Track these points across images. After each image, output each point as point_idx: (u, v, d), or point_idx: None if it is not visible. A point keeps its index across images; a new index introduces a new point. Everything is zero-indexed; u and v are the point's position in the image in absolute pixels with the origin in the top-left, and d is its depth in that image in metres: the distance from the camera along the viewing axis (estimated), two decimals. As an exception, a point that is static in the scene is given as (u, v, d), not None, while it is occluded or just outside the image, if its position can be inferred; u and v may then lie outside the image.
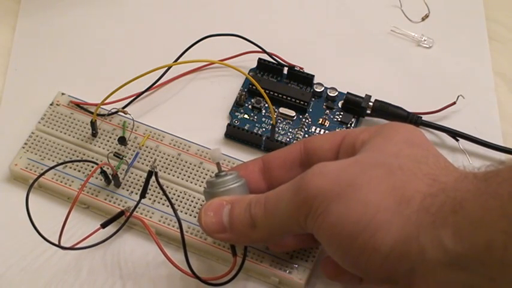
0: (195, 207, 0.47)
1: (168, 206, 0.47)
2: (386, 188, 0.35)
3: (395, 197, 0.34)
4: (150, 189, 0.47)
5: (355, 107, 0.52)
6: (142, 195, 0.44)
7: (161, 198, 0.47)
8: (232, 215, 0.40)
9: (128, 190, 0.47)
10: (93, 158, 0.48)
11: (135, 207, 0.44)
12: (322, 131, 0.52)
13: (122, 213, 0.45)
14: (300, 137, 0.51)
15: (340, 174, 0.36)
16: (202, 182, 0.48)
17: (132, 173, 0.48)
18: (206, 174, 0.48)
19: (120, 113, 0.50)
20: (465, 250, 0.32)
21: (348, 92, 0.53)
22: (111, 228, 0.45)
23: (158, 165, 0.48)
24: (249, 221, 0.39)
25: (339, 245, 0.36)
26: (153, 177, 0.43)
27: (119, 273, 0.45)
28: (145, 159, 0.49)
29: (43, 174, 0.44)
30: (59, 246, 0.42)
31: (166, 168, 0.48)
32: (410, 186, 0.35)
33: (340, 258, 0.36)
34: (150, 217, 0.46)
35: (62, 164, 0.47)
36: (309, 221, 0.36)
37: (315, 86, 0.53)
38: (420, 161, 0.36)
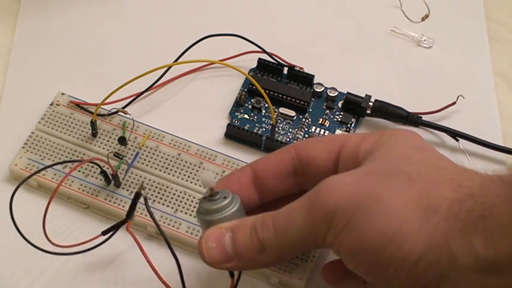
0: (195, 207, 0.47)
1: (167, 206, 0.47)
2: (410, 197, 0.34)
3: (421, 205, 0.34)
4: (150, 189, 0.47)
5: (355, 107, 0.52)
6: (128, 216, 0.42)
7: (161, 198, 0.47)
8: (236, 242, 0.38)
9: (127, 190, 0.47)
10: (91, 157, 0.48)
11: (129, 215, 0.43)
12: (322, 131, 0.52)
13: (124, 221, 0.43)
14: (299, 137, 0.51)
15: (356, 187, 0.35)
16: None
17: (132, 173, 0.48)
18: (206, 174, 0.48)
19: (120, 113, 0.50)
20: (497, 255, 0.32)
21: (348, 92, 0.53)
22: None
23: (158, 165, 0.48)
24: (257, 246, 0.37)
25: (363, 259, 0.35)
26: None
27: (112, 276, 0.45)
28: (145, 159, 0.49)
29: (37, 172, 0.44)
30: (41, 249, 0.42)
31: (167, 168, 0.48)
32: (435, 193, 0.34)
33: (365, 271, 0.35)
34: (150, 217, 0.46)
35: (57, 163, 0.47)
36: (328, 238, 0.35)
37: (315, 86, 0.53)
38: (438, 165, 0.36)
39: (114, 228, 0.43)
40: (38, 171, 0.44)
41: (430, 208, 0.34)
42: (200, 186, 0.48)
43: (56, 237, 0.42)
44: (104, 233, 0.43)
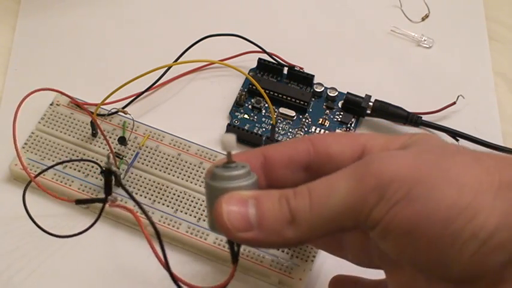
0: (195, 207, 0.47)
1: (167, 206, 0.47)
2: (479, 171, 0.31)
3: (493, 180, 0.31)
4: (150, 190, 0.47)
5: (355, 107, 0.52)
6: (107, 195, 0.41)
7: (161, 198, 0.47)
8: (261, 210, 0.33)
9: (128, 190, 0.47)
10: (93, 157, 0.48)
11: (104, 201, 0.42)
12: (322, 131, 0.52)
13: (102, 200, 0.42)
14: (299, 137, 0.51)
15: (416, 160, 0.32)
16: (202, 182, 0.48)
17: (132, 173, 0.48)
18: (206, 174, 0.48)
19: (120, 113, 0.50)
20: None
21: (348, 92, 0.53)
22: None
23: (158, 165, 0.48)
24: (286, 216, 0.33)
25: (422, 236, 0.31)
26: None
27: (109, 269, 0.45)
28: (145, 159, 0.49)
29: (41, 173, 0.44)
30: (58, 236, 0.42)
31: (167, 168, 0.48)
32: (505, 172, 0.31)
33: (416, 253, 0.31)
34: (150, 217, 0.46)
35: (61, 163, 0.47)
36: (376, 213, 0.31)
37: (315, 86, 0.53)
38: (489, 156, 0.33)
39: (89, 202, 0.43)
40: (47, 169, 0.44)
41: (503, 184, 0.31)
42: (200, 186, 0.48)
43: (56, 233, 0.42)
44: (77, 202, 0.42)
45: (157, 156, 0.49)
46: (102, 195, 0.47)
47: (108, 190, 0.41)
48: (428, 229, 0.31)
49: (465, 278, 0.31)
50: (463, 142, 0.52)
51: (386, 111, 0.52)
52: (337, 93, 0.53)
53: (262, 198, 0.33)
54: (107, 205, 0.42)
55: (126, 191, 0.39)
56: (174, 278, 0.36)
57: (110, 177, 0.40)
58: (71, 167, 0.48)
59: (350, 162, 0.34)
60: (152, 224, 0.36)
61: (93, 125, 0.49)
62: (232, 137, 0.33)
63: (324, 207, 0.32)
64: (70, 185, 0.47)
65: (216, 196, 0.33)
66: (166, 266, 0.36)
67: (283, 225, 0.33)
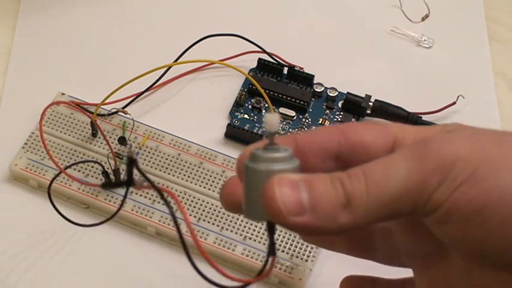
0: (195, 207, 0.47)
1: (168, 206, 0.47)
2: None
3: None
4: (149, 190, 0.47)
5: (355, 107, 0.52)
6: (129, 184, 0.40)
7: (161, 198, 0.47)
8: (315, 192, 0.31)
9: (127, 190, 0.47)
10: (93, 158, 0.48)
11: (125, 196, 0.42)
12: (322, 131, 0.52)
13: (126, 185, 0.38)
14: (300, 137, 0.51)
15: (475, 141, 0.31)
16: (202, 182, 0.48)
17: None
18: (206, 174, 0.48)
19: (120, 113, 0.50)
20: None
21: (348, 92, 0.53)
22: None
23: (158, 165, 0.48)
24: (341, 199, 0.31)
25: (494, 214, 0.29)
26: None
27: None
28: (145, 159, 0.49)
29: (56, 176, 0.44)
30: (77, 223, 0.42)
31: (167, 168, 0.48)
32: None
33: (492, 232, 0.30)
34: (150, 217, 0.46)
35: (75, 164, 0.47)
36: (441, 192, 0.30)
37: (315, 86, 0.53)
38: None
39: (115, 186, 0.41)
40: (60, 173, 0.44)
41: None
42: (200, 186, 0.48)
43: (55, 236, 0.42)
44: (103, 185, 0.42)
45: (157, 156, 0.49)
46: (102, 195, 0.47)
47: (130, 178, 0.39)
48: (499, 209, 0.29)
49: None
50: (463, 142, 0.52)
51: (386, 111, 0.52)
52: (337, 93, 0.53)
53: (315, 180, 0.31)
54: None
55: (147, 179, 0.35)
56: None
57: (131, 166, 0.38)
58: (70, 167, 0.48)
59: (382, 152, 0.33)
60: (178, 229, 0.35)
61: (93, 125, 0.49)
62: (276, 117, 0.31)
63: (382, 190, 0.30)
64: (70, 185, 0.47)
65: (260, 180, 0.31)
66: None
67: (338, 210, 0.31)
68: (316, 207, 0.30)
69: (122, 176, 0.47)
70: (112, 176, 0.47)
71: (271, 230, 0.32)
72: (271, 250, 0.32)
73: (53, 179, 0.45)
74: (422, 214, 0.31)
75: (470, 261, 0.31)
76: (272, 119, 0.31)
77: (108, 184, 0.40)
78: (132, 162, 0.36)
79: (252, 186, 0.31)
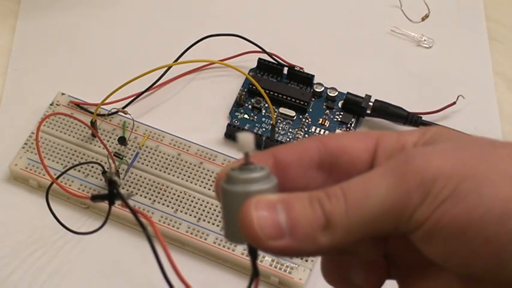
0: (195, 207, 0.47)
1: (167, 206, 0.47)
2: None
3: None
4: (149, 190, 0.47)
5: (355, 107, 0.52)
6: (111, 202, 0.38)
7: (161, 198, 0.47)
8: (293, 214, 0.30)
9: (128, 190, 0.47)
10: (93, 158, 0.48)
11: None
12: (322, 131, 0.52)
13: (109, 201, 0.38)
14: (299, 137, 0.51)
15: (457, 155, 0.30)
16: (202, 182, 0.48)
17: (132, 173, 0.48)
18: (206, 174, 0.48)
19: (120, 113, 0.50)
20: None
21: (348, 92, 0.53)
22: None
23: (158, 165, 0.48)
24: (320, 220, 0.30)
25: (477, 234, 0.29)
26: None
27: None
28: (145, 159, 0.49)
29: (60, 175, 0.44)
30: (74, 231, 0.42)
31: (167, 168, 0.48)
32: None
33: (476, 251, 0.30)
34: (150, 217, 0.46)
35: (76, 166, 0.47)
36: (423, 210, 0.29)
37: (315, 86, 0.53)
38: None
39: (105, 199, 0.40)
40: (65, 172, 0.44)
41: None
42: (200, 186, 0.48)
43: (55, 235, 0.42)
44: (93, 198, 0.40)
45: (157, 156, 0.49)
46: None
47: (111, 197, 0.39)
48: (483, 227, 0.28)
49: None
50: (463, 142, 0.52)
51: (386, 111, 0.52)
52: (337, 93, 0.53)
53: (292, 201, 0.30)
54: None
55: (125, 201, 0.36)
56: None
57: (112, 188, 0.38)
58: (71, 169, 0.48)
59: (364, 157, 0.32)
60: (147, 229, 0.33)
61: (93, 125, 0.49)
62: (249, 136, 0.30)
63: (362, 209, 0.30)
64: (70, 185, 0.47)
65: (237, 202, 0.30)
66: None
67: (318, 231, 0.30)
68: (294, 230, 0.30)
69: (121, 178, 0.48)
70: (116, 178, 0.47)
71: (252, 253, 0.31)
72: (255, 272, 0.31)
73: (48, 188, 0.44)
74: (406, 232, 0.30)
75: (463, 278, 0.31)
76: (246, 138, 0.30)
77: (98, 196, 0.40)
78: (112, 184, 0.36)
79: (229, 208, 0.30)
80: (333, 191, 0.30)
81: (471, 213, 0.28)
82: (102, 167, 0.46)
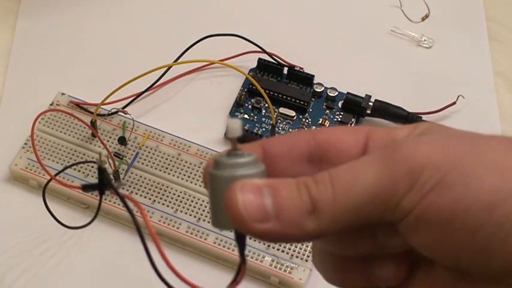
0: (195, 207, 0.47)
1: (167, 206, 0.47)
2: None
3: None
4: (149, 190, 0.47)
5: (355, 107, 0.52)
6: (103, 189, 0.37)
7: (161, 198, 0.47)
8: (279, 198, 0.30)
9: (128, 190, 0.47)
10: (93, 158, 0.48)
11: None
12: (322, 131, 0.52)
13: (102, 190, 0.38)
14: (300, 137, 0.51)
15: (446, 145, 0.30)
16: (202, 182, 0.48)
17: (132, 173, 0.48)
18: (206, 174, 0.48)
19: (120, 113, 0.50)
20: None
21: (348, 92, 0.53)
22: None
23: (158, 165, 0.48)
24: (306, 205, 0.29)
25: (463, 224, 0.29)
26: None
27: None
28: (145, 159, 0.49)
29: (59, 173, 0.44)
30: (69, 227, 0.42)
31: (167, 168, 0.48)
32: None
33: (462, 242, 0.29)
34: (150, 217, 0.46)
35: (74, 164, 0.47)
36: (409, 199, 0.29)
37: (315, 86, 0.53)
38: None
39: (96, 189, 0.40)
40: (62, 171, 0.44)
41: None
42: (200, 186, 0.48)
43: (55, 235, 0.42)
44: (83, 187, 0.40)
45: (157, 156, 0.49)
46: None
47: (101, 185, 0.39)
48: (469, 218, 0.28)
49: (505, 273, 0.29)
50: (463, 142, 0.52)
51: (386, 111, 0.52)
52: (337, 93, 0.53)
53: (279, 185, 0.30)
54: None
55: (113, 188, 0.36)
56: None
57: (102, 176, 0.38)
58: (71, 167, 0.48)
59: (354, 150, 0.32)
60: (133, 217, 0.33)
61: (93, 125, 0.49)
62: (238, 122, 0.30)
63: (349, 196, 0.29)
64: (70, 185, 0.47)
65: (223, 187, 0.30)
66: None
67: (304, 216, 0.29)
68: (280, 213, 0.29)
69: (121, 178, 0.48)
70: (111, 176, 0.47)
71: (239, 239, 0.31)
72: (242, 259, 0.31)
73: (45, 185, 0.44)
74: (392, 221, 0.30)
75: (453, 272, 0.30)
76: (234, 123, 0.30)
77: (88, 186, 0.39)
78: (102, 172, 0.36)
79: (216, 194, 0.30)
80: (321, 177, 0.30)
81: (458, 203, 0.28)
82: (96, 161, 0.46)
